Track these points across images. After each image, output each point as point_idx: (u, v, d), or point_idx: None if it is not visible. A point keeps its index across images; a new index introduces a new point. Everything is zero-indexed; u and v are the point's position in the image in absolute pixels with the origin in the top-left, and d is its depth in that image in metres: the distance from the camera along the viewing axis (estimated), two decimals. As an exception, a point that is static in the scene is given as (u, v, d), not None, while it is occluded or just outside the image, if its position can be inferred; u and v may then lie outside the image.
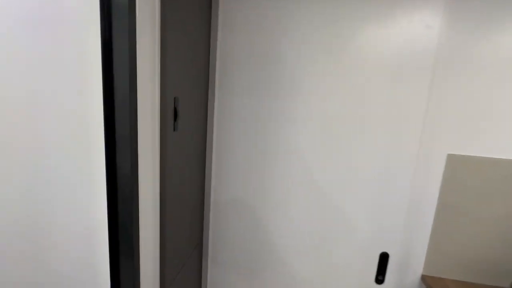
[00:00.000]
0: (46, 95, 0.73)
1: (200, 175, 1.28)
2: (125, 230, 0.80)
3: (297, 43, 1.18)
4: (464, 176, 1.17)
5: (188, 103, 1.04)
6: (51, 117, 0.74)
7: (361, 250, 1.27)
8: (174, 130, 0.92)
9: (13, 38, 0.71)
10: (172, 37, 0.87)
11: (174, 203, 1.00)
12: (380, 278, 1.25)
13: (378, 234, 1.25)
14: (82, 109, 0.73)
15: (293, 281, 1.35)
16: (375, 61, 1.14)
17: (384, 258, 1.22)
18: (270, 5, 1.17)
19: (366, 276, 1.28)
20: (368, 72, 1.15)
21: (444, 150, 1.16)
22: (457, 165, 1.16)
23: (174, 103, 0.91)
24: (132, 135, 0.75)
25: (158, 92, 0.84)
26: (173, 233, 1.03)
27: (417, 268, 1.25)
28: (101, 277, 0.80)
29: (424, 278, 1.23)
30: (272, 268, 1.36)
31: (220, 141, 1.30)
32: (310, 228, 1.29)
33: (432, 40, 1.10)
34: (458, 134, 1.15)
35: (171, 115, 0.90)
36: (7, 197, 0.78)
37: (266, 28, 1.18)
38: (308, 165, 1.25)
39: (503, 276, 1.20)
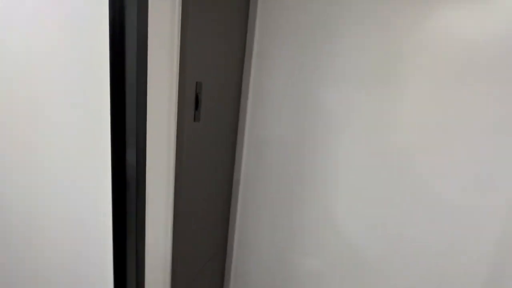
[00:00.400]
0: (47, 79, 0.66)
1: (228, 172, 1.15)
2: (131, 231, 0.71)
3: (357, 24, 0.94)
4: None
5: (215, 89, 0.91)
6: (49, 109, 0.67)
7: None
8: (194, 120, 0.79)
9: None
10: (197, 10, 0.73)
11: (193, 202, 0.89)
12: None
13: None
14: (85, 90, 0.64)
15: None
16: (459, 52, 0.85)
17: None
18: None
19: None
20: (449, 66, 0.87)
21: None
22: None
23: (196, 89, 0.78)
24: (140, 125, 0.64)
25: (176, 76, 0.71)
26: (191, 234, 0.92)
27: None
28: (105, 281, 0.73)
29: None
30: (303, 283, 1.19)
31: (254, 134, 1.15)
32: (352, 249, 1.08)
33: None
34: None
35: (191, 103, 0.77)
36: (9, 190, 0.75)
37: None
38: (361, 175, 1.03)
39: None
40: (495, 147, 0.87)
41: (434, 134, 0.92)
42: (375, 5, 0.91)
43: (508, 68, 0.82)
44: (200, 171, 0.90)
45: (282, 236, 1.19)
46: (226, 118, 1.05)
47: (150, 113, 0.65)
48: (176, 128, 0.74)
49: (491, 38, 0.82)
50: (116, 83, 0.63)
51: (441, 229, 0.95)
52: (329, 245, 1.12)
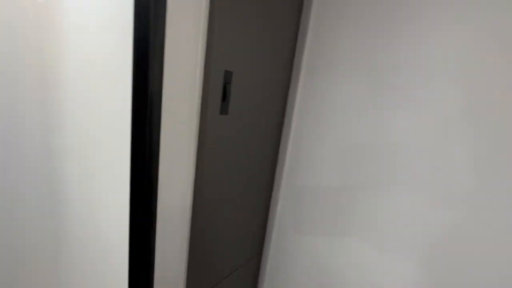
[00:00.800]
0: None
1: (267, 173, 1.03)
2: (142, 244, 0.64)
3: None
4: None
5: (253, 81, 0.80)
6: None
7: None
8: (221, 113, 0.70)
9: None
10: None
11: (215, 207, 0.80)
12: None
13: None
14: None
15: None
16: None
17: None
18: None
19: None
20: None
21: None
22: None
23: (225, 78, 0.68)
24: (153, 117, 0.57)
25: (200, 62, 0.63)
26: (212, 241, 0.83)
27: None
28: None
29: None
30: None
31: (301, 134, 1.01)
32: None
33: None
34: None
35: (218, 93, 0.68)
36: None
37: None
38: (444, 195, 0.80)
39: None
40: None
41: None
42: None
43: None
44: (227, 169, 0.80)
45: (324, 252, 1.01)
46: (267, 115, 0.93)
47: (166, 100, 0.58)
48: (198, 120, 0.65)
49: None
50: (137, 66, 0.57)
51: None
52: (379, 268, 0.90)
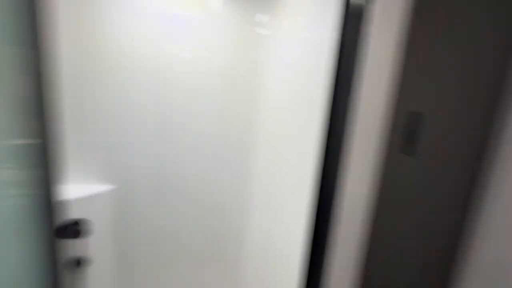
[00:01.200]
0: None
1: (449, 235, 0.84)
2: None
3: None
4: None
5: (444, 120, 0.71)
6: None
7: None
8: (406, 153, 0.67)
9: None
10: (427, 22, 0.62)
11: (389, 260, 0.74)
12: None
13: None
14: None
15: None
16: None
17: None
18: None
19: None
20: None
21: None
22: None
23: (412, 120, 0.66)
24: (338, 152, 0.64)
25: (388, 103, 0.64)
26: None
27: None
28: None
29: None
30: None
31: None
32: None
33: None
34: None
35: (401, 134, 0.66)
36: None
37: None
38: None
39: None
40: None
41: None
42: None
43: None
44: (401, 216, 0.73)
45: None
46: (461, 160, 0.78)
47: (352, 134, 0.63)
48: (377, 160, 0.66)
49: None
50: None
51: None
52: None
